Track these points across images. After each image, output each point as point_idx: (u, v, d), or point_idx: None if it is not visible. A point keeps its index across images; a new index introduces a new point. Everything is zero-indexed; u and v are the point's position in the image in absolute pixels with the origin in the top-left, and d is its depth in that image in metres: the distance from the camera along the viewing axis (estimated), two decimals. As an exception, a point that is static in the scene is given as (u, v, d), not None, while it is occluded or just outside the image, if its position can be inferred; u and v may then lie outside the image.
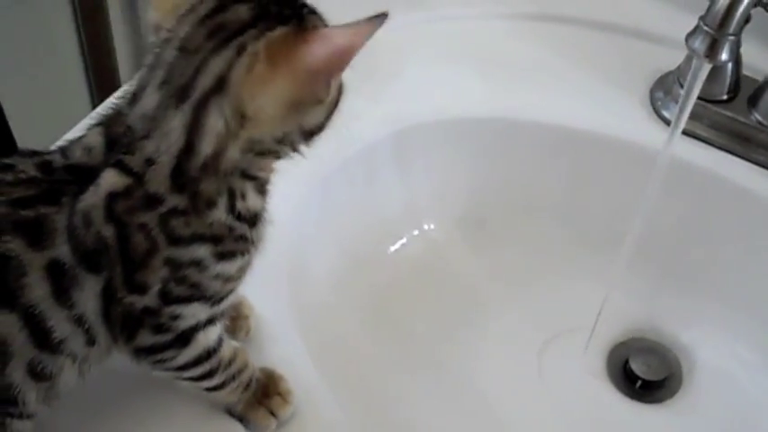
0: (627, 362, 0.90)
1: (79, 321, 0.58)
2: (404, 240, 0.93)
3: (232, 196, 0.59)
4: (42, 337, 0.57)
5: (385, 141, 0.89)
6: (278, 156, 0.60)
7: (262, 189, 0.61)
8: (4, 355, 0.57)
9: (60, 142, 0.62)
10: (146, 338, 0.61)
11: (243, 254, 0.61)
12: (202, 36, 0.54)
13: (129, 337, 0.60)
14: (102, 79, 1.41)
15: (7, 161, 0.60)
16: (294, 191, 0.79)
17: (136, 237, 0.57)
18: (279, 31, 0.54)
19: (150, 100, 0.55)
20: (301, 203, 0.81)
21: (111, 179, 0.56)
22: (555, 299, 0.93)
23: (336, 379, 0.74)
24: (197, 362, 0.64)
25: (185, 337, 0.62)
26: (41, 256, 0.56)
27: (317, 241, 0.85)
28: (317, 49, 0.53)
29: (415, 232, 0.94)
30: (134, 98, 0.56)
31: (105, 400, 0.68)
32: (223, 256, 0.59)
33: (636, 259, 0.84)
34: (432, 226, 0.94)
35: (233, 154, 0.56)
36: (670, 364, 0.90)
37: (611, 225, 0.89)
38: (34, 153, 0.60)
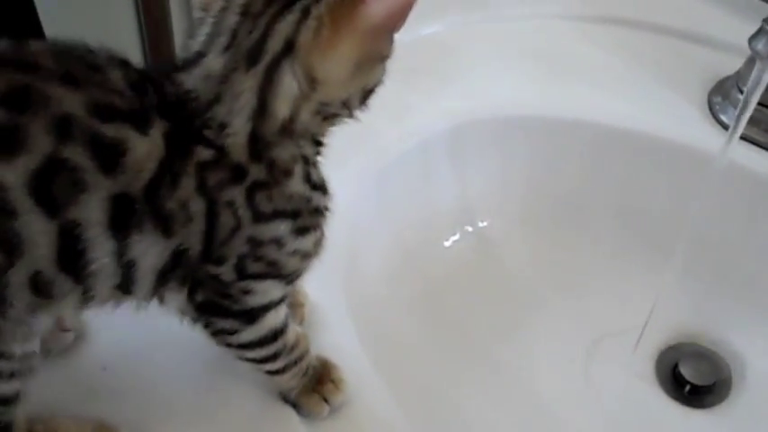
0: (676, 366, 0.90)
1: (125, 264, 0.57)
2: (457, 236, 0.94)
3: (306, 164, 0.59)
4: (69, 258, 0.55)
5: (441, 137, 0.90)
6: (338, 119, 0.60)
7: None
8: (15, 252, 0.54)
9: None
10: (210, 297, 0.61)
11: (318, 228, 0.61)
12: (262, 2, 0.55)
13: (192, 292, 0.61)
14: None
15: (97, 61, 0.57)
16: (351, 183, 0.81)
17: (224, 215, 0.57)
18: None
19: (215, 63, 0.56)
20: (358, 195, 0.82)
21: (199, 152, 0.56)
22: (606, 300, 0.93)
23: (386, 369, 0.75)
24: (262, 342, 0.64)
25: (253, 315, 0.62)
26: (111, 182, 0.54)
27: (372, 233, 0.85)
28: (376, 6, 0.54)
29: (469, 228, 0.95)
30: (189, 63, 0.56)
31: (160, 383, 0.70)
32: (301, 232, 0.60)
33: (689, 263, 0.84)
34: (485, 222, 0.95)
35: (306, 117, 0.57)
36: (720, 369, 0.90)
37: (664, 228, 0.89)
38: (124, 63, 0.58)
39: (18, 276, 0.55)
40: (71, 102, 0.54)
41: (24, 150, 0.52)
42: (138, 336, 0.74)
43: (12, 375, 0.61)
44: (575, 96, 0.94)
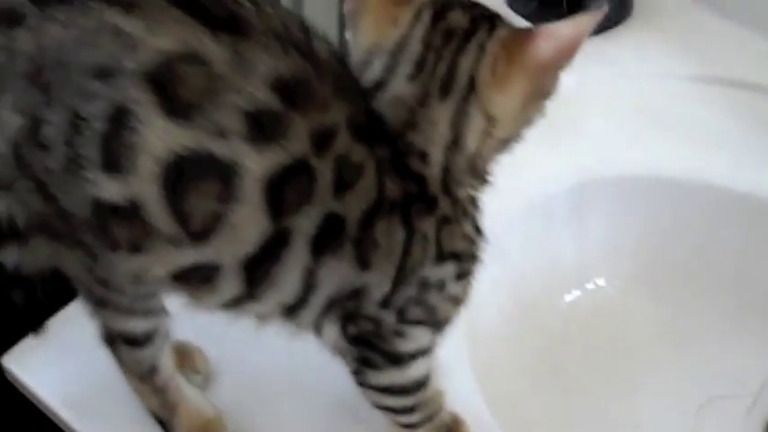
0: (788, 434, 0.89)
1: (308, 284, 0.57)
2: (576, 293, 0.95)
3: (475, 206, 0.61)
4: (258, 260, 0.55)
5: (563, 192, 0.91)
6: (501, 156, 0.61)
7: None
8: (209, 233, 0.54)
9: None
10: (361, 333, 0.61)
11: (472, 274, 0.62)
12: (440, 38, 0.57)
13: (345, 325, 0.61)
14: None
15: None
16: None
17: (416, 250, 0.58)
18: (506, 31, 0.58)
19: (403, 89, 0.57)
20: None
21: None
22: (718, 363, 0.92)
23: (504, 420, 0.76)
24: (403, 390, 0.65)
25: (400, 358, 0.63)
26: (336, 202, 0.55)
27: (492, 284, 0.86)
28: (547, 44, 0.56)
29: (588, 285, 0.95)
30: (372, 90, 0.58)
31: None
32: (461, 277, 0.61)
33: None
34: (602, 281, 0.95)
35: (487, 153, 0.59)
36: (833, 440, 0.89)
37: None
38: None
39: (190, 259, 0.56)
40: (337, 115, 0.55)
41: (278, 144, 0.53)
42: (264, 381, 0.77)
43: (130, 311, 0.63)
44: (696, 158, 0.94)
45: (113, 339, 0.67)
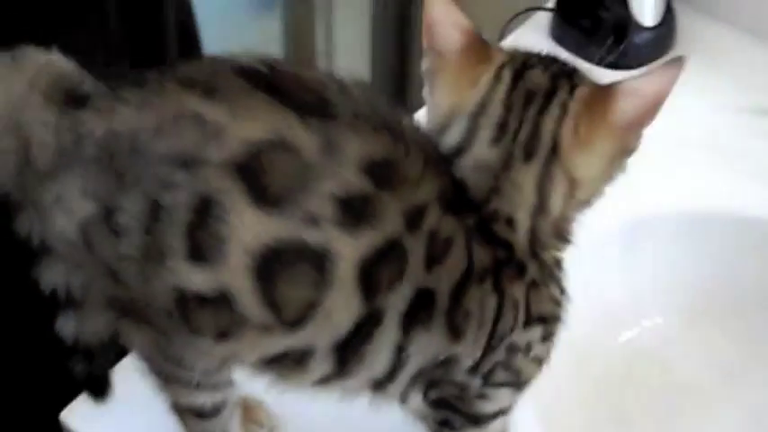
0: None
1: (398, 359, 0.56)
2: (632, 332, 0.94)
3: (560, 268, 0.60)
4: (351, 341, 0.54)
5: (616, 229, 0.90)
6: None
7: None
8: (303, 322, 0.54)
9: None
10: (443, 397, 0.60)
11: (556, 334, 0.61)
12: (522, 100, 0.56)
13: (427, 391, 0.60)
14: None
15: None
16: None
17: (506, 316, 0.57)
18: (587, 90, 0.56)
19: (486, 154, 0.56)
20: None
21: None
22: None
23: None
24: None
25: (481, 419, 0.62)
26: (427, 276, 0.54)
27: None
28: (630, 103, 0.55)
29: (644, 323, 0.94)
30: (453, 156, 0.57)
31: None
32: (546, 338, 0.60)
33: None
34: (657, 320, 0.94)
35: (571, 215, 0.58)
36: None
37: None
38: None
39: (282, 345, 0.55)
40: (428, 191, 0.54)
41: (371, 227, 0.52)
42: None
43: (198, 386, 0.62)
44: (749, 193, 0.93)
45: (181, 411, 0.66)
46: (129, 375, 0.76)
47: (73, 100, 0.55)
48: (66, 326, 0.65)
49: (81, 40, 0.83)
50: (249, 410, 0.74)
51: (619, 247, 0.91)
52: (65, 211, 0.55)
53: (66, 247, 0.57)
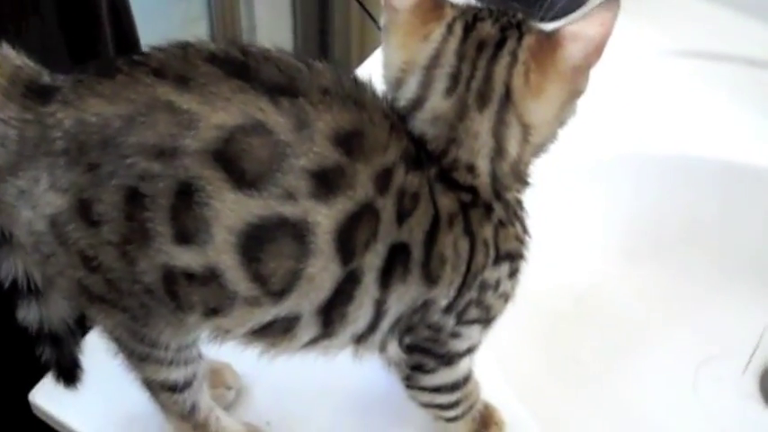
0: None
1: (378, 312, 0.58)
2: (573, 273, 0.97)
3: (521, 209, 0.63)
4: (333, 304, 0.57)
5: (556, 174, 0.93)
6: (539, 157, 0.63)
7: None
8: (286, 291, 0.55)
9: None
10: (417, 341, 0.63)
11: (521, 271, 0.64)
12: (473, 50, 0.58)
13: (401, 336, 0.63)
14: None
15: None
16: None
17: (479, 255, 0.59)
18: (533, 38, 0.59)
19: (441, 105, 0.58)
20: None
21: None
22: (714, 324, 0.96)
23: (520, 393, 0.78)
24: (452, 387, 0.67)
25: (452, 358, 0.65)
26: (399, 232, 0.56)
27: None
28: (575, 47, 0.58)
29: (588, 264, 0.98)
30: (409, 110, 0.59)
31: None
32: (513, 275, 0.63)
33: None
34: (600, 260, 0.98)
35: (527, 158, 0.60)
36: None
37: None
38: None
39: (270, 315, 0.57)
40: (394, 152, 0.56)
41: (345, 195, 0.54)
42: (297, 390, 0.77)
43: (171, 363, 0.64)
44: (679, 131, 0.98)
45: (153, 387, 0.68)
46: (96, 352, 0.77)
47: (34, 93, 0.55)
48: (29, 314, 0.66)
49: (16, 28, 0.83)
50: (215, 373, 0.75)
51: (562, 190, 0.94)
52: (31, 205, 0.55)
53: (30, 239, 0.57)
